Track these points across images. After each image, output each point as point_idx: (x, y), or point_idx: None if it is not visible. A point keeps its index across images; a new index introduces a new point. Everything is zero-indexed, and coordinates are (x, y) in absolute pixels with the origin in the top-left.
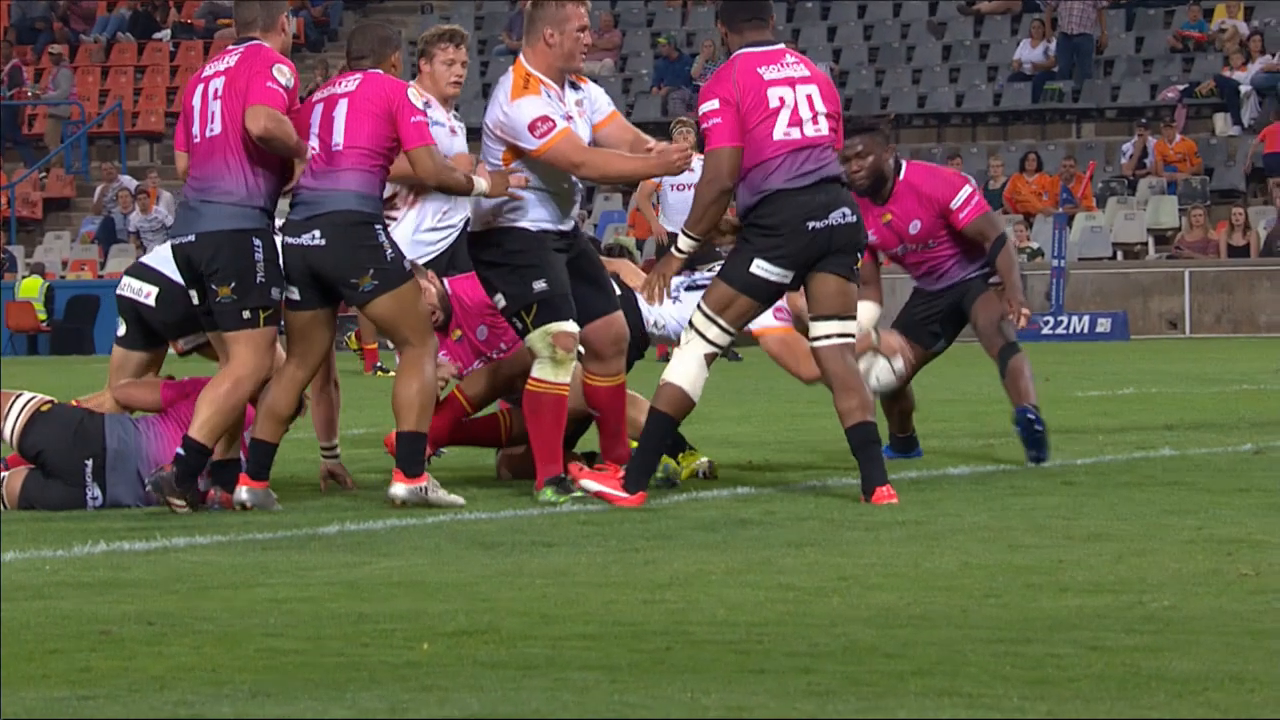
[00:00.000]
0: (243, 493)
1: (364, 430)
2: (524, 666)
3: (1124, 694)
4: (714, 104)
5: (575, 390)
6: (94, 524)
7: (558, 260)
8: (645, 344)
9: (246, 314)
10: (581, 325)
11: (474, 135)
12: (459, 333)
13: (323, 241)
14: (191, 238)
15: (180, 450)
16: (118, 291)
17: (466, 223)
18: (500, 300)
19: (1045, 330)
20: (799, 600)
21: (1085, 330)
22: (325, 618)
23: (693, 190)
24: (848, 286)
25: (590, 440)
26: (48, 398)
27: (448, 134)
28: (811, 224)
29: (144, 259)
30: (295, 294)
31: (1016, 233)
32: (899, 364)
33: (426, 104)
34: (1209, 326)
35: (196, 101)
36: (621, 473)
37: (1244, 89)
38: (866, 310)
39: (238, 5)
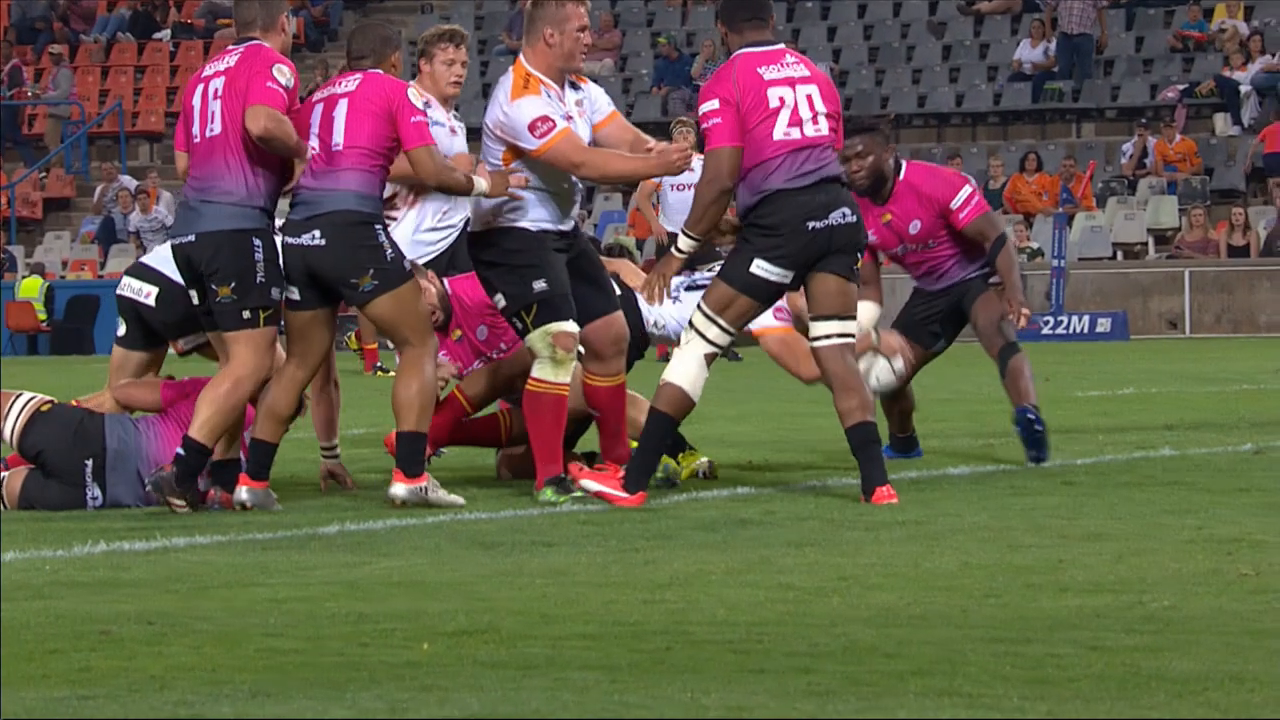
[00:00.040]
0: (242, 493)
1: (364, 430)
2: (524, 666)
3: (1124, 694)
4: (714, 104)
5: (575, 390)
6: (94, 524)
7: (557, 260)
8: (645, 344)
9: (246, 314)
10: (581, 325)
11: (474, 135)
12: (459, 333)
13: (322, 241)
14: (191, 238)
15: (180, 450)
16: (118, 291)
17: (467, 223)
18: (500, 300)
19: (1045, 330)
20: (799, 600)
21: (1085, 330)
22: (325, 618)
23: (693, 190)
24: (848, 287)
25: (590, 440)
26: (47, 398)
27: (448, 134)
28: (811, 224)
29: (144, 259)
30: (295, 294)
31: (1016, 233)
32: (899, 364)
33: (426, 104)
34: (1209, 326)
35: (196, 101)
36: (622, 473)
37: (1244, 89)
38: (866, 310)
39: (238, 5)
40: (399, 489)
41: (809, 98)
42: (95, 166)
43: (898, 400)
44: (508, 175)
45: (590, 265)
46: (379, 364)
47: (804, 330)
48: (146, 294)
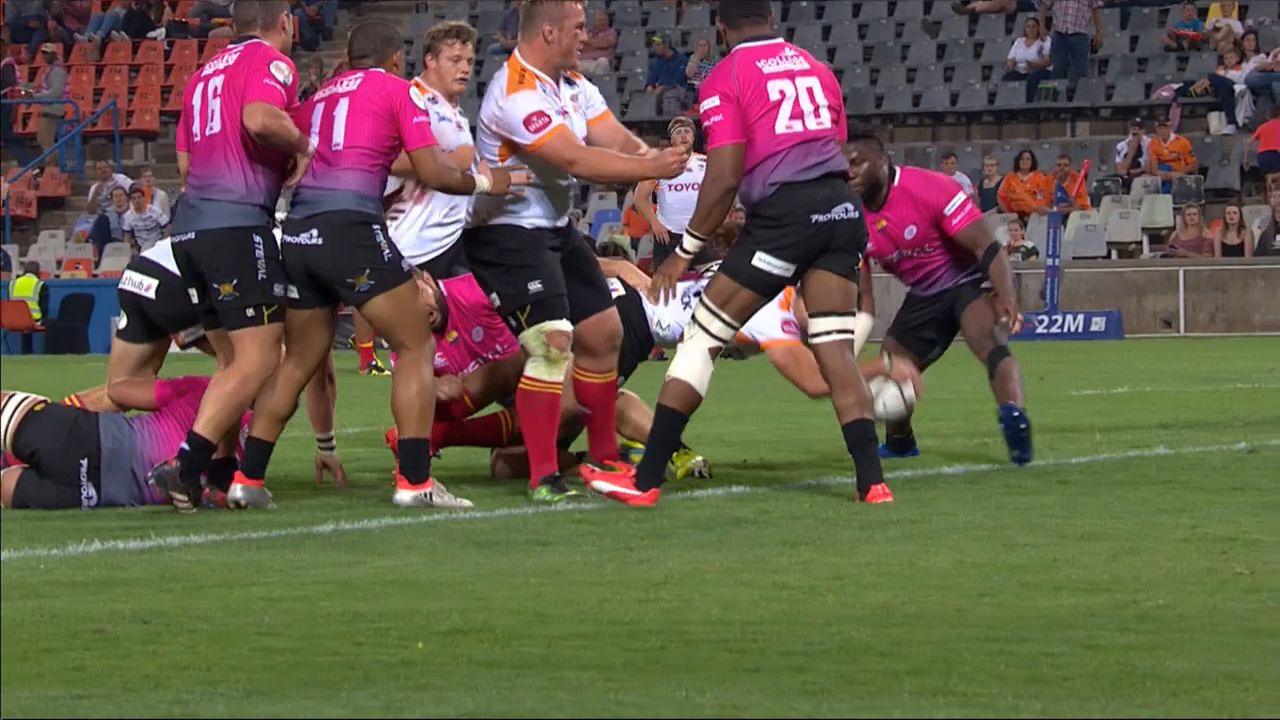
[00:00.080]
0: (238, 491)
1: (359, 429)
2: (519, 665)
3: (1119, 693)
4: (714, 101)
5: (569, 391)
6: (89, 523)
7: (552, 259)
8: (650, 344)
9: (250, 312)
10: (575, 322)
11: (470, 134)
12: (454, 334)
13: (320, 241)
14: (191, 235)
15: (185, 445)
16: (119, 286)
17: None
18: (495, 299)
19: (1040, 329)
20: (794, 599)
21: (1080, 329)
22: (320, 616)
23: (691, 190)
24: (847, 284)
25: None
26: (41, 398)
27: (454, 129)
28: (815, 217)
29: (145, 253)
30: (294, 293)
31: (1011, 231)
32: (909, 391)
33: (432, 99)
34: (1203, 325)
35: (196, 100)
36: (633, 472)
37: (1238, 88)
38: (860, 323)
39: (237, 4)
40: (403, 495)
41: (810, 90)
42: (90, 165)
43: None
44: (509, 172)
45: (584, 262)
46: (374, 362)
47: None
48: (147, 287)
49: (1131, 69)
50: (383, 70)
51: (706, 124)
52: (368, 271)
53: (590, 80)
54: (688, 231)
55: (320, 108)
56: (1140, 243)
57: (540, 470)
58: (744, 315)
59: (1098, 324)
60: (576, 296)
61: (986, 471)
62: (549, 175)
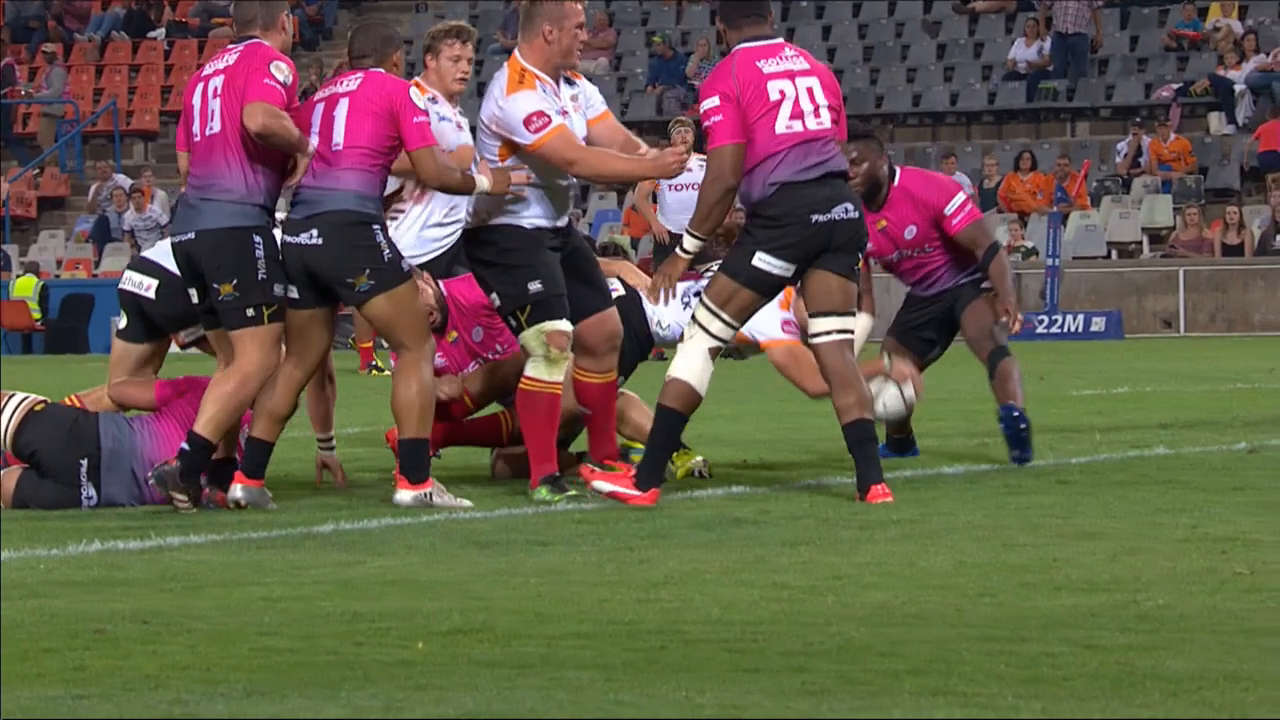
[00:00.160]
0: (237, 490)
1: (358, 429)
2: (519, 665)
3: (1118, 692)
4: (714, 101)
5: (569, 392)
6: (88, 523)
7: (552, 259)
8: (650, 345)
9: (250, 312)
10: (575, 322)
11: (471, 134)
12: (454, 334)
13: (319, 241)
14: (191, 235)
15: (185, 445)
16: (119, 286)
17: None
18: (495, 299)
19: (1040, 329)
20: (793, 599)
21: (1080, 329)
22: (319, 616)
23: (690, 190)
24: (847, 284)
25: (584, 441)
26: (41, 398)
27: (454, 129)
28: (815, 217)
29: (145, 253)
30: (294, 293)
31: (1011, 231)
32: (909, 391)
33: (432, 99)
34: (1203, 325)
35: (196, 100)
36: (633, 472)
37: (1238, 88)
38: (860, 323)
39: (238, 4)
40: (403, 495)
41: (810, 90)
42: (90, 165)
43: None
44: (509, 172)
45: (584, 262)
46: (374, 362)
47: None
48: (147, 287)
49: (1131, 69)
50: (383, 70)
51: (706, 124)
52: (367, 271)
53: (590, 80)
54: (688, 231)
55: (320, 108)
56: (1140, 243)
57: (540, 470)
58: (744, 315)
59: (1098, 324)
60: (576, 296)
61: (986, 471)
62: (549, 175)
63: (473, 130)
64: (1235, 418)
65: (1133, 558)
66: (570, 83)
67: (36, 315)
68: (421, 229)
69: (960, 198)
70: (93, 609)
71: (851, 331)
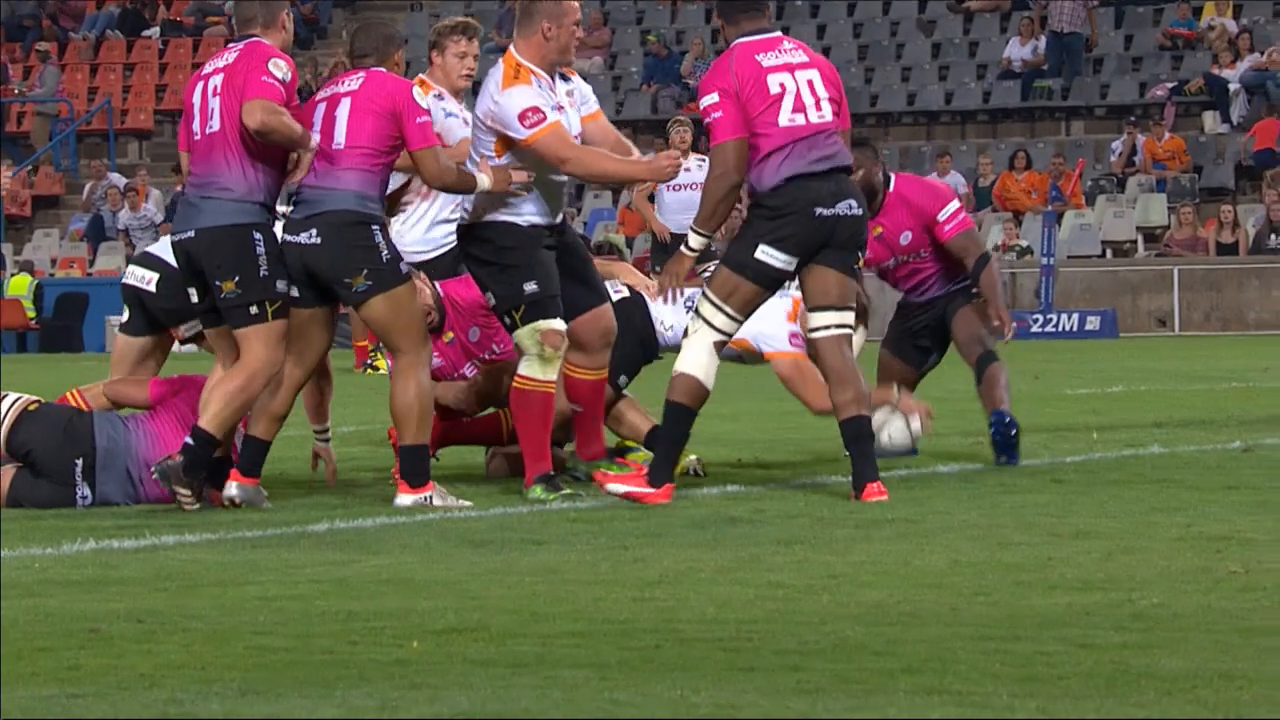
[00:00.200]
0: (233, 488)
1: (354, 427)
2: (513, 664)
3: (1113, 691)
4: (714, 97)
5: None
6: (83, 522)
7: (548, 258)
8: (655, 346)
9: (254, 309)
10: (569, 320)
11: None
12: (451, 335)
13: (319, 240)
14: (191, 234)
15: (189, 440)
16: (122, 280)
17: None
18: (490, 298)
19: (1034, 328)
20: (788, 598)
21: (1074, 328)
22: (314, 615)
23: (689, 190)
24: (846, 280)
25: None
26: (35, 398)
27: (460, 125)
28: (818, 210)
29: (149, 248)
30: (294, 292)
31: (1005, 231)
32: (916, 425)
33: (439, 95)
34: (1198, 324)
35: (196, 99)
36: (645, 470)
37: (1233, 87)
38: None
39: (238, 3)
40: (404, 499)
41: (810, 83)
42: (84, 164)
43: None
44: (509, 170)
45: (578, 260)
46: (369, 361)
47: (815, 358)
48: (148, 281)
49: (1126, 68)
50: (384, 70)
51: (707, 120)
52: (365, 272)
53: (585, 79)
54: (693, 229)
55: (322, 107)
56: (1135, 242)
57: (535, 469)
58: (748, 309)
59: (1092, 323)
60: (570, 294)
61: (981, 470)
62: (543, 171)
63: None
64: (1230, 417)
65: (1128, 556)
66: (565, 79)
67: (31, 314)
68: (429, 227)
69: (954, 205)
70: (88, 608)
71: (850, 327)
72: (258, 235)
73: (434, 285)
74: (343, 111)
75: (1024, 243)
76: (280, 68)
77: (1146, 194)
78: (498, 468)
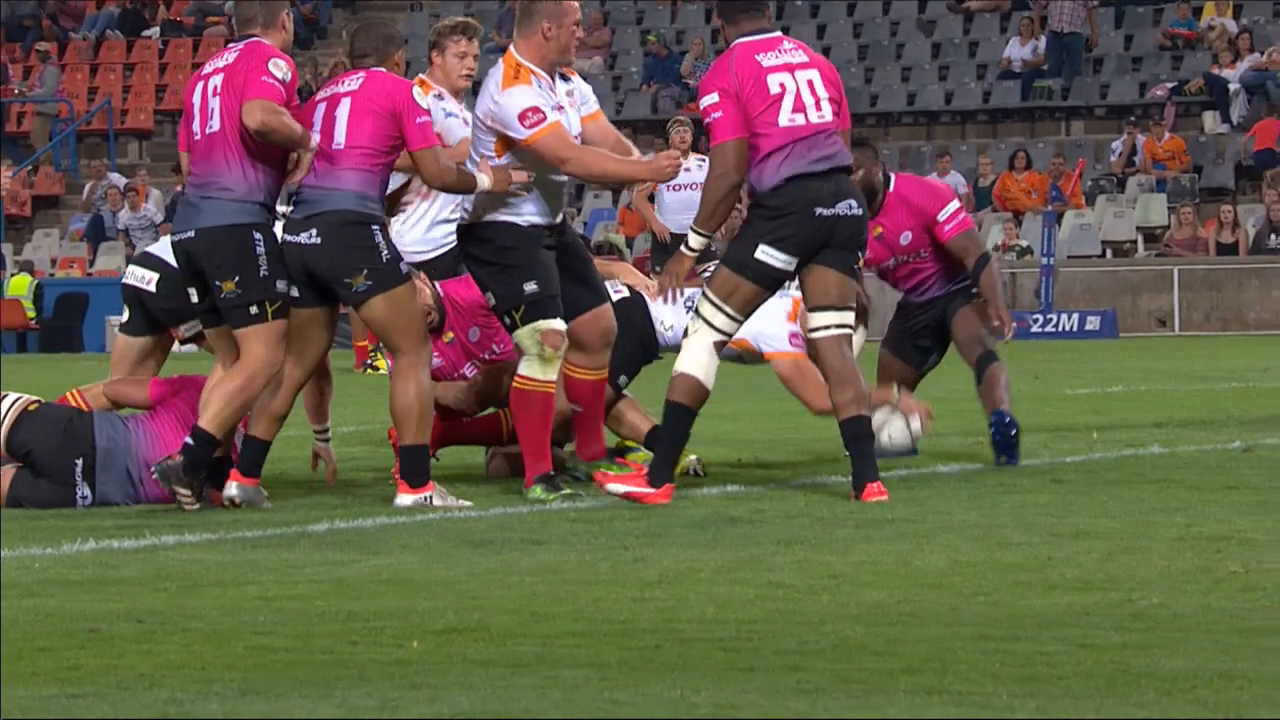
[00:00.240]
0: (233, 488)
1: (354, 427)
2: (513, 664)
3: (1113, 691)
4: (714, 97)
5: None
6: (83, 522)
7: (547, 259)
8: (656, 346)
9: (254, 309)
10: (569, 320)
11: None
12: (451, 335)
13: (318, 240)
14: (191, 234)
15: (189, 440)
16: (122, 280)
17: None
18: (490, 298)
19: (1034, 328)
20: (788, 598)
21: (1074, 328)
22: (314, 615)
23: (689, 190)
24: (845, 280)
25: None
26: (35, 398)
27: (461, 124)
28: (819, 210)
29: (149, 248)
30: (294, 292)
31: (1005, 231)
32: (916, 425)
33: (439, 95)
34: (1198, 324)
35: (196, 99)
36: (645, 470)
37: (1233, 87)
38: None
39: (238, 3)
40: (404, 499)
41: (810, 83)
42: (84, 164)
43: (897, 405)
44: (509, 170)
45: (578, 260)
46: (369, 361)
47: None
48: (148, 281)
49: (1126, 68)
50: (384, 70)
51: (707, 120)
52: (365, 272)
53: (585, 79)
54: (693, 229)
55: (322, 107)
56: (1135, 242)
57: (535, 469)
58: (748, 309)
59: (1092, 323)
60: (571, 294)
61: (981, 470)
62: (543, 171)
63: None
64: (1230, 417)
65: (1127, 556)
66: (565, 79)
67: (31, 314)
68: (429, 227)
69: (954, 205)
70: (87, 608)
71: (850, 327)
72: (258, 235)
73: (434, 285)
74: (343, 111)
75: (1024, 243)
76: (280, 68)
77: (1146, 194)
78: (498, 468)
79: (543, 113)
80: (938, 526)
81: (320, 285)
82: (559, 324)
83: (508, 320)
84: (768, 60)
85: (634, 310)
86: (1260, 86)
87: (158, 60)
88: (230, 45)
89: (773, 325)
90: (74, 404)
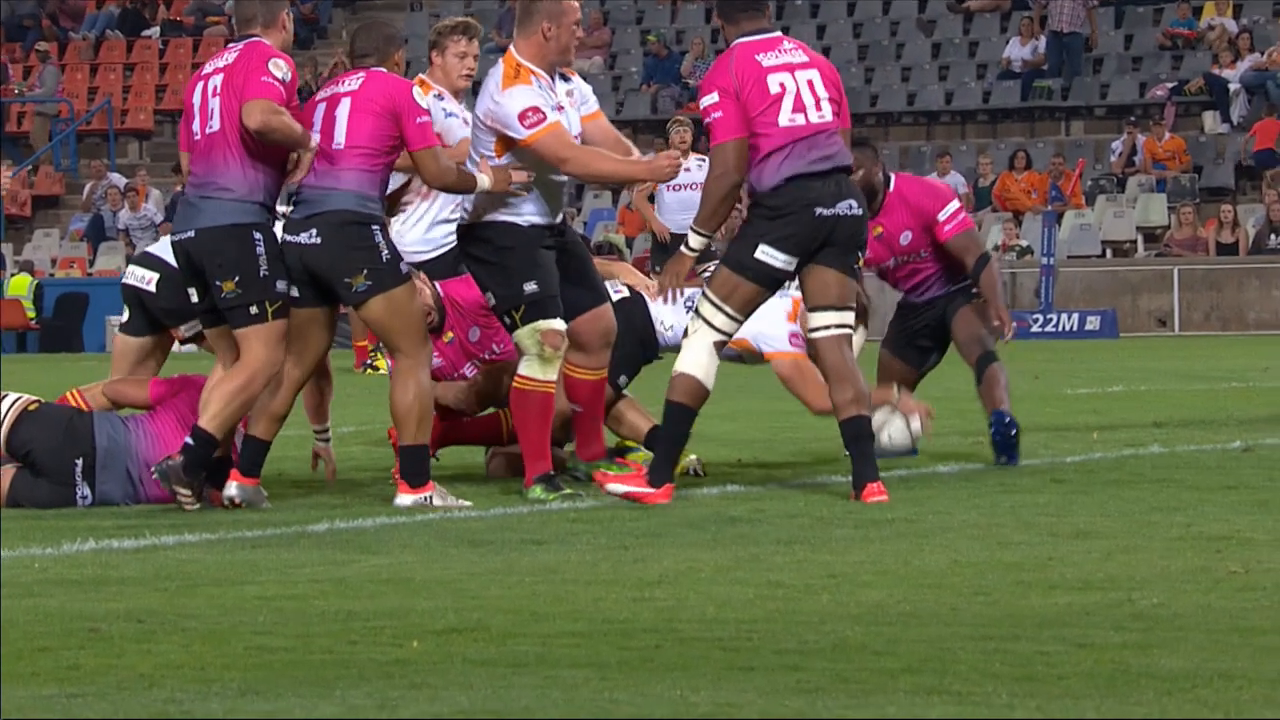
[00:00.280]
0: (233, 488)
1: (353, 428)
2: (513, 664)
3: (1112, 691)
4: (714, 97)
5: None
6: (83, 522)
7: (547, 259)
8: (656, 347)
9: (254, 309)
10: (569, 321)
11: None
12: (450, 335)
13: (318, 240)
14: (191, 234)
15: (189, 440)
16: (123, 280)
17: None
18: (490, 298)
19: (1034, 328)
20: (788, 598)
21: (1074, 328)
22: (314, 615)
23: (689, 190)
24: (845, 279)
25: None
26: (34, 398)
27: (461, 124)
28: (819, 210)
29: (149, 248)
30: (294, 292)
31: (1005, 231)
32: (916, 425)
33: (439, 95)
34: (1198, 324)
35: (196, 99)
36: (645, 471)
37: (1233, 87)
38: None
39: (238, 3)
40: (403, 500)
41: (810, 83)
42: (84, 164)
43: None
44: (509, 170)
45: (578, 261)
46: (369, 361)
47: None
48: (148, 280)
49: (1126, 68)
50: (384, 69)
51: (707, 120)
52: (365, 272)
53: (585, 79)
54: (693, 229)
55: (322, 107)
56: (1135, 241)
57: (535, 469)
58: (748, 309)
59: (1092, 323)
60: (571, 294)
61: (981, 470)
62: (543, 171)
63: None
64: (1230, 416)
65: (1127, 556)
66: (565, 79)
67: (31, 314)
68: (429, 227)
69: (954, 205)
70: (87, 608)
71: (850, 326)
72: (258, 235)
73: (434, 285)
74: (343, 111)
75: (1024, 243)
76: (280, 67)
77: (1146, 194)
78: (498, 468)
79: (543, 113)
80: (937, 526)
81: (320, 285)
82: (559, 324)
83: (507, 320)
84: (768, 60)
85: (634, 310)
86: (1260, 86)
87: (158, 60)
88: (230, 45)
89: (773, 325)
90: (74, 404)
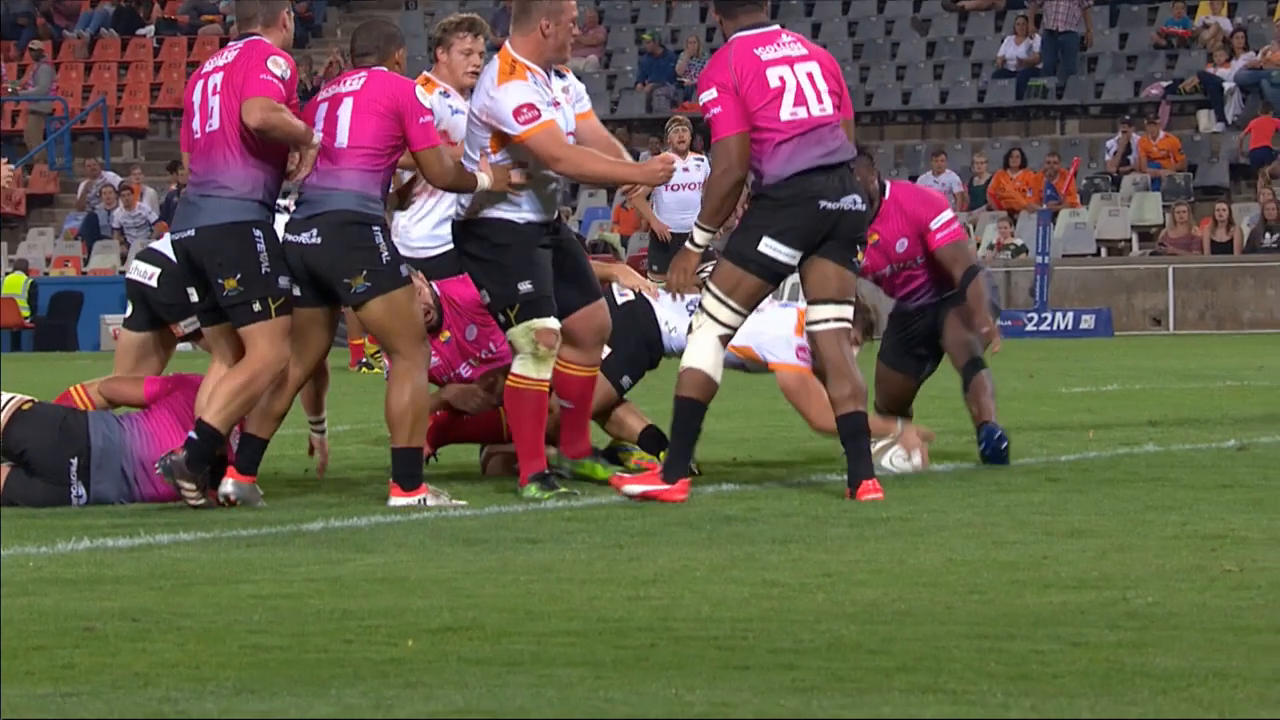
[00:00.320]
0: (229, 485)
1: (348, 426)
2: (508, 663)
3: (1107, 690)
4: (713, 93)
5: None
6: (77, 521)
7: (542, 257)
8: (661, 347)
9: (257, 306)
10: (563, 319)
11: None
12: (448, 334)
13: (319, 240)
14: (191, 232)
15: (193, 434)
16: (126, 275)
17: None
18: (485, 296)
19: (1029, 327)
20: (783, 597)
21: (1069, 327)
22: (309, 614)
23: (688, 190)
24: (845, 273)
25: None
26: (29, 397)
27: (466, 121)
28: (823, 204)
29: (153, 244)
30: (296, 292)
31: (1000, 229)
32: (917, 459)
33: (445, 92)
34: (1193, 323)
35: (196, 98)
36: (659, 469)
37: (1227, 85)
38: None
39: (238, 2)
40: (396, 502)
41: (810, 75)
42: (79, 163)
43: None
44: (509, 169)
45: (573, 259)
46: (364, 359)
47: (823, 378)
48: (150, 275)
49: (1121, 67)
50: (385, 69)
51: (707, 116)
52: (365, 273)
53: (580, 78)
54: (698, 225)
55: (324, 107)
56: (1129, 240)
57: (529, 468)
58: (751, 302)
59: (1087, 321)
60: (565, 293)
61: (976, 469)
62: (537, 167)
63: None
64: (1224, 415)
65: (1122, 555)
66: (560, 75)
67: (26, 313)
68: (435, 223)
69: (946, 215)
70: (82, 607)
71: (849, 320)
72: (258, 233)
73: (431, 285)
74: (345, 111)
75: (1019, 241)
76: (280, 65)
77: (1141, 192)
78: (495, 466)
79: (537, 110)
80: (932, 525)
81: (321, 285)
82: (553, 323)
83: (502, 318)
84: (766, 54)
85: (640, 313)
86: (1255, 85)
87: (152, 59)
88: (230, 44)
89: (779, 337)
90: (77, 400)
